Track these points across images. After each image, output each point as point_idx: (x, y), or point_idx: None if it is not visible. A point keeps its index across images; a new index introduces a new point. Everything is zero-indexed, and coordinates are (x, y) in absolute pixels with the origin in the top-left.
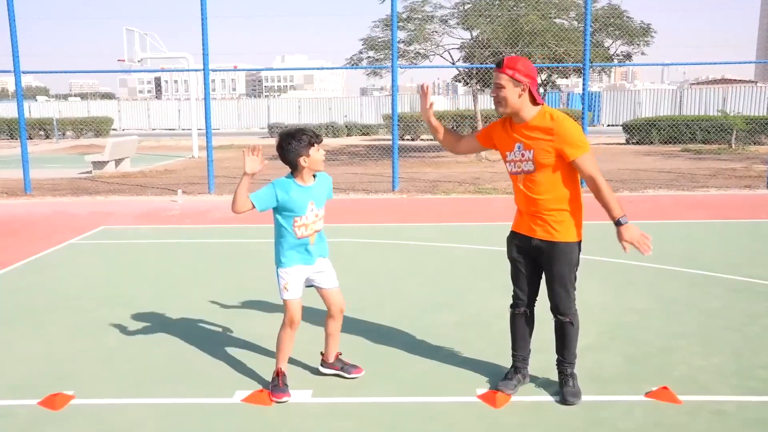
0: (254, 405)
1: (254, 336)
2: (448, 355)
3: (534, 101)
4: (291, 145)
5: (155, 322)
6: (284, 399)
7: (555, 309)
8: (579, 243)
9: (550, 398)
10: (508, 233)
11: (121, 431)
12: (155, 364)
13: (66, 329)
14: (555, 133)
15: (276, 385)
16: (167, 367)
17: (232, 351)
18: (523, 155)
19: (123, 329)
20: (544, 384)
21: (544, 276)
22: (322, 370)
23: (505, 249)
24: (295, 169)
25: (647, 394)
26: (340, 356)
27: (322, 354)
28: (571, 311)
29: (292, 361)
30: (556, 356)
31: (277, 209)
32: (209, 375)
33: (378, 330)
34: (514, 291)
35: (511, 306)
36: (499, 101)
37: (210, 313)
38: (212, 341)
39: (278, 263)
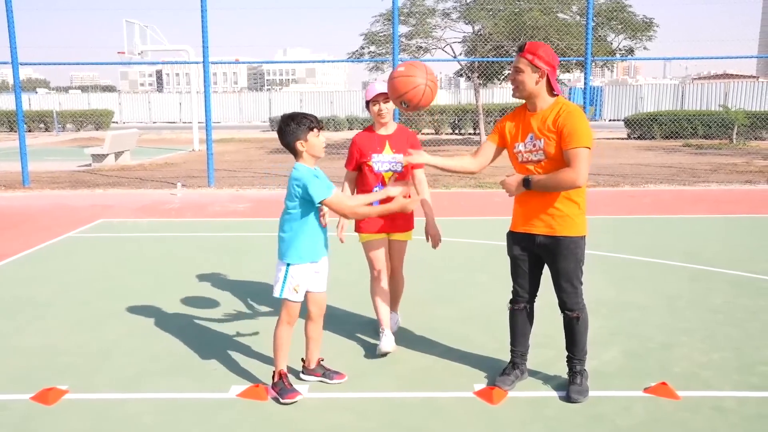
0: (250, 400)
1: (252, 330)
2: (448, 350)
3: (551, 91)
4: (290, 127)
5: (153, 316)
6: (298, 398)
7: (562, 305)
8: (584, 238)
9: (548, 394)
10: (507, 230)
11: (116, 426)
12: (153, 358)
13: (64, 322)
14: (561, 122)
15: (283, 387)
16: (165, 361)
17: (229, 345)
18: (534, 145)
19: (121, 323)
20: (542, 379)
21: (548, 271)
22: (303, 377)
23: (505, 243)
24: (294, 155)
25: (646, 390)
26: (321, 362)
27: (303, 360)
28: (579, 306)
29: (288, 355)
30: (566, 353)
31: (305, 198)
32: (206, 369)
33: (377, 324)
34: (514, 287)
35: (511, 302)
36: (516, 85)
37: (208, 307)
38: (210, 335)
39: (289, 259)
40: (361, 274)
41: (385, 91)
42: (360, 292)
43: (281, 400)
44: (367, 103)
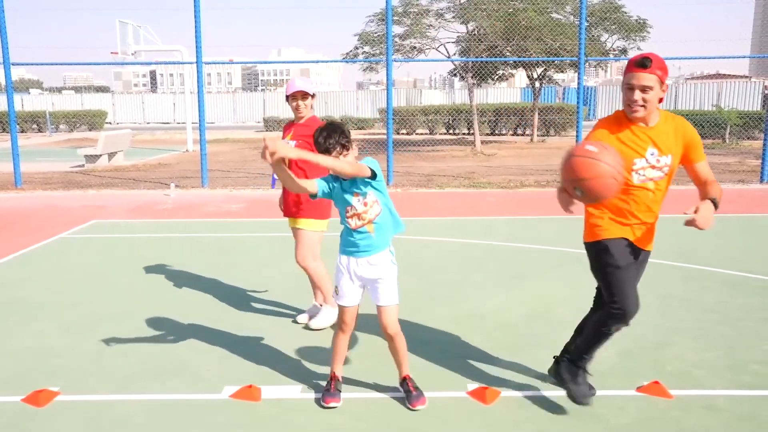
0: (243, 401)
1: (245, 331)
2: (443, 350)
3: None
4: (317, 138)
5: (146, 317)
6: (332, 405)
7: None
8: None
9: (542, 393)
10: (608, 239)
11: (108, 427)
12: (145, 359)
13: (56, 323)
14: (687, 135)
15: (327, 389)
16: (157, 362)
17: (222, 346)
18: (658, 161)
19: (113, 324)
20: (535, 379)
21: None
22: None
23: (502, 242)
24: None
25: (639, 389)
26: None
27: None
28: None
29: (281, 356)
30: (569, 356)
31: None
32: (199, 370)
33: (371, 324)
34: (619, 301)
35: (617, 319)
36: (643, 105)
37: (201, 308)
38: (203, 336)
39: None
40: None
41: (303, 88)
42: None
43: (321, 402)
44: (287, 97)
